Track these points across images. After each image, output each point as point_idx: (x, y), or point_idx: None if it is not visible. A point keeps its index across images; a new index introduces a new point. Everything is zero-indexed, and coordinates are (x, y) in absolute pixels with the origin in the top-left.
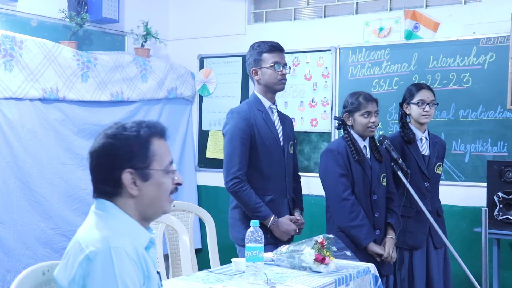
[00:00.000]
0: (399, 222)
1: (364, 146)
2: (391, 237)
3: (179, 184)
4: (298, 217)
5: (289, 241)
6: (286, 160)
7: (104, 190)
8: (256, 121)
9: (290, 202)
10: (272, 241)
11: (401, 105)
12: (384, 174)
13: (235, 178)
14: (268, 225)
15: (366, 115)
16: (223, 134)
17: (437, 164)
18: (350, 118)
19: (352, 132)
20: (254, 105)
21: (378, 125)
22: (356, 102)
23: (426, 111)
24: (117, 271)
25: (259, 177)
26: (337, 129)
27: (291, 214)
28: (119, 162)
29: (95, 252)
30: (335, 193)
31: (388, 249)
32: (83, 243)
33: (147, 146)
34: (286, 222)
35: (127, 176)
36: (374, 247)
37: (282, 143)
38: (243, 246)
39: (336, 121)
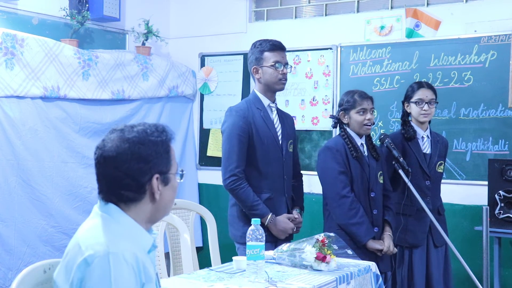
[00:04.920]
0: (395, 220)
1: (361, 144)
2: (388, 233)
3: None
4: (296, 216)
5: (287, 239)
6: (285, 158)
7: (123, 195)
8: (254, 120)
9: (289, 201)
10: (270, 239)
11: (403, 103)
12: (381, 172)
13: (233, 175)
14: (266, 223)
15: (361, 112)
16: (221, 132)
17: (438, 163)
18: (346, 116)
19: (348, 130)
20: (253, 103)
21: (374, 123)
22: (352, 99)
23: (424, 110)
24: (113, 277)
25: (257, 175)
26: (333, 128)
27: (290, 212)
28: (148, 167)
29: (94, 256)
30: (334, 191)
31: (387, 243)
32: (83, 245)
33: (168, 151)
34: (283, 221)
35: (156, 181)
36: (374, 244)
37: (280, 142)
38: (241, 243)
39: (332, 120)
